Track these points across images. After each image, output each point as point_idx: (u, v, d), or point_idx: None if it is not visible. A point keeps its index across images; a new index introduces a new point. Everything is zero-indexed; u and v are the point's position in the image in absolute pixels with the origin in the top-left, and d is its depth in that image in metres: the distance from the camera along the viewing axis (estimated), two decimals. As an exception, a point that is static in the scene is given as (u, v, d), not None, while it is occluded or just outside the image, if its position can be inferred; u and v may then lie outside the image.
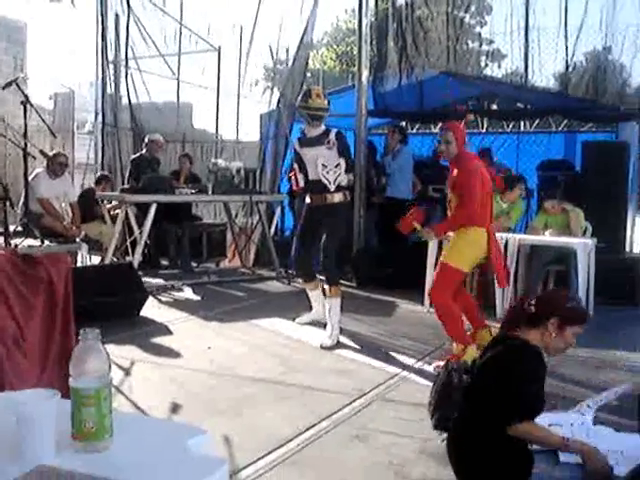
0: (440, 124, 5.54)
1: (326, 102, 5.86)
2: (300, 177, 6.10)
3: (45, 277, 3.16)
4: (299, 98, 6.03)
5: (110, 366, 1.44)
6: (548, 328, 2.71)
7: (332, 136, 5.81)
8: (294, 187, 6.52)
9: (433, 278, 5.48)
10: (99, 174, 9.90)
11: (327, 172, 5.71)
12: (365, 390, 4.56)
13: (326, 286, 6.02)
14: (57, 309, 3.18)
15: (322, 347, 5.66)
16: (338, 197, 5.85)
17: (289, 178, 6.78)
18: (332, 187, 5.74)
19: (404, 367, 5.12)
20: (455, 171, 5.27)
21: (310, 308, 6.38)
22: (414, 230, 5.74)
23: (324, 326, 5.97)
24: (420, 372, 5.03)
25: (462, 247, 5.21)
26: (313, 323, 6.28)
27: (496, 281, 5.68)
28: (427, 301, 7.05)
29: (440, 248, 6.75)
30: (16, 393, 1.58)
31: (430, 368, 5.05)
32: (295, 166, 6.23)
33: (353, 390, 4.56)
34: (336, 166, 5.72)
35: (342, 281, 8.23)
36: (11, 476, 1.26)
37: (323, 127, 5.91)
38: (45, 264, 3.23)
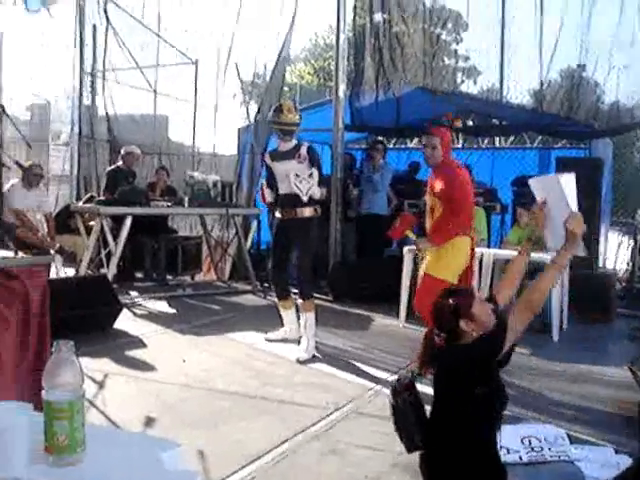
0: (426, 129, 5.49)
1: (297, 117, 5.88)
2: (267, 192, 6.13)
3: (21, 290, 3.13)
4: (270, 113, 6.03)
5: (83, 379, 1.44)
6: (466, 329, 2.69)
7: (303, 150, 5.82)
8: (261, 201, 6.54)
9: (418, 291, 5.43)
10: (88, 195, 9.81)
11: (300, 182, 5.69)
12: (340, 404, 4.56)
13: (299, 300, 6.01)
14: (32, 322, 3.15)
15: (298, 361, 5.64)
16: (309, 211, 5.86)
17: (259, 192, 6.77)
18: (305, 198, 5.71)
19: (379, 381, 5.12)
20: (440, 177, 5.23)
21: (282, 325, 6.36)
22: (405, 236, 5.74)
23: (298, 341, 5.96)
24: (395, 386, 5.03)
25: (448, 258, 5.19)
26: (284, 340, 6.26)
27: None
28: (402, 315, 7.09)
29: (415, 263, 6.81)
30: (-13, 406, 1.57)
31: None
32: (263, 181, 6.27)
33: (328, 404, 4.55)
34: (309, 175, 5.71)
35: (318, 295, 8.25)
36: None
37: (294, 142, 5.92)
38: (21, 278, 3.20)
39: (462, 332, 2.68)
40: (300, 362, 5.62)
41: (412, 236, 5.61)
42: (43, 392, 1.40)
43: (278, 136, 6.01)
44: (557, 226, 2.84)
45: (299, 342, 5.94)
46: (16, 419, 1.37)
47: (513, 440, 3.81)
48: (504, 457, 3.04)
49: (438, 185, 5.24)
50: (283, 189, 5.90)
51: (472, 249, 5.39)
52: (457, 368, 2.70)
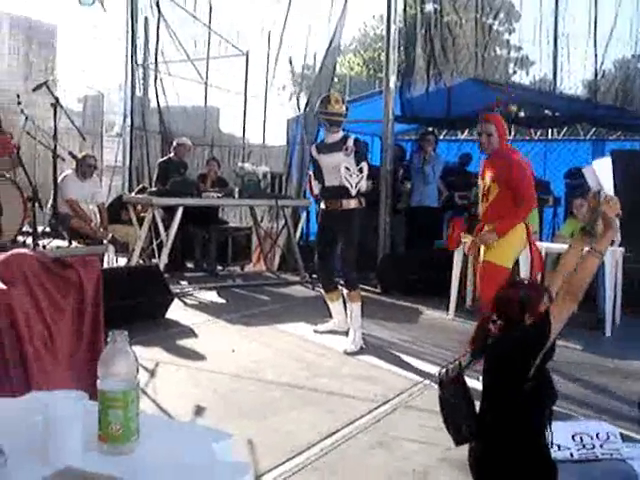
0: (480, 116, 5.35)
1: (344, 108, 5.86)
2: (314, 184, 6.12)
3: (76, 280, 3.18)
4: (317, 104, 6.02)
5: (138, 369, 1.46)
6: (527, 323, 2.66)
7: (350, 143, 5.79)
8: (310, 194, 6.53)
9: (481, 279, 5.36)
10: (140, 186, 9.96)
11: (350, 175, 5.65)
12: (389, 397, 4.55)
13: (345, 291, 6.01)
14: (86, 312, 3.20)
15: (346, 353, 5.64)
16: (354, 203, 5.83)
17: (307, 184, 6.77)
18: (353, 191, 5.68)
19: (428, 374, 5.08)
20: (496, 163, 5.12)
21: (330, 317, 6.37)
22: (461, 243, 5.68)
23: (346, 333, 5.96)
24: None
25: (505, 244, 5.09)
26: (333, 331, 6.26)
27: (532, 268, 5.49)
28: (452, 308, 7.05)
29: (466, 255, 6.74)
30: (44, 394, 1.60)
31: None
32: (310, 173, 6.27)
33: (376, 397, 4.55)
34: (359, 170, 5.68)
35: (367, 287, 8.26)
36: (39, 476, 1.28)
37: (341, 133, 5.91)
38: (76, 267, 3.25)
39: (538, 321, 2.66)
40: (348, 354, 5.62)
41: (468, 239, 5.54)
42: (98, 381, 1.42)
43: (325, 127, 6.01)
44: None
45: (347, 333, 5.94)
46: (72, 408, 1.39)
47: (564, 437, 3.74)
48: (554, 454, 2.98)
49: (494, 169, 5.13)
50: (329, 181, 5.89)
51: (530, 232, 5.28)
52: (505, 358, 2.68)
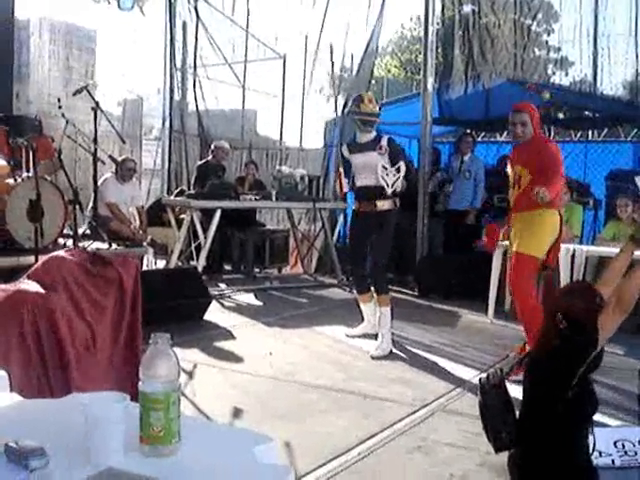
0: (513, 106, 5.28)
1: (377, 108, 5.81)
2: (345, 182, 6.08)
3: (115, 278, 3.20)
4: (350, 103, 5.98)
5: (179, 372, 1.46)
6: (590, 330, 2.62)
7: (384, 142, 5.72)
8: (338, 192, 6.47)
9: (511, 271, 5.30)
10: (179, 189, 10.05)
11: (387, 174, 5.56)
12: (427, 401, 4.52)
13: (375, 295, 5.95)
14: (126, 310, 3.22)
15: (372, 357, 5.55)
16: (388, 204, 5.75)
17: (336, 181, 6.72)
18: (389, 190, 5.59)
19: (466, 378, 5.04)
20: (530, 149, 5.07)
21: (362, 320, 6.32)
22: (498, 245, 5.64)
23: (375, 336, 5.93)
24: (483, 384, 4.95)
25: (537, 232, 5.04)
26: (365, 335, 6.23)
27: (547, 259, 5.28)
28: (491, 312, 6.98)
29: (505, 258, 6.67)
30: (86, 395, 1.61)
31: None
32: (341, 170, 6.21)
33: (415, 400, 4.52)
34: (397, 169, 5.59)
35: (404, 290, 8.23)
36: (81, 477, 1.29)
37: (374, 133, 5.84)
38: (115, 265, 3.28)
39: (588, 329, 2.62)
40: (373, 358, 5.54)
41: (505, 241, 5.49)
42: (140, 383, 1.43)
43: (358, 127, 5.90)
44: None
45: (376, 337, 5.91)
46: (113, 409, 1.40)
47: (605, 443, 3.68)
48: (596, 460, 2.93)
49: (525, 155, 5.09)
50: (361, 181, 5.83)
51: (562, 221, 5.20)
52: (549, 366, 2.64)
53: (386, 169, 5.58)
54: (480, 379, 2.80)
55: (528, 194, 4.91)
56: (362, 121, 5.80)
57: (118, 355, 3.26)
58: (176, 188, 10.25)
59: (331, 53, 10.85)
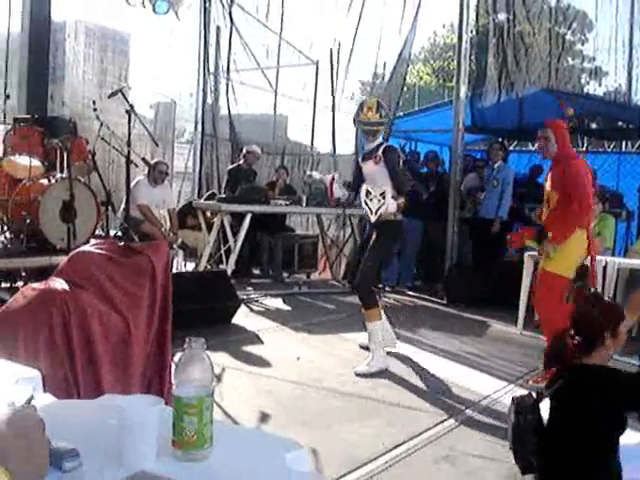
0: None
1: (378, 115, 5.47)
2: (336, 187, 5.88)
3: (147, 266, 3.15)
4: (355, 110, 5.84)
5: (213, 376, 1.46)
6: (606, 343, 2.59)
7: (380, 151, 5.45)
8: (329, 197, 6.23)
9: (537, 288, 5.31)
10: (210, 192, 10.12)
11: (370, 200, 5.35)
12: (454, 410, 4.49)
13: (363, 310, 5.59)
14: (157, 298, 3.18)
15: (357, 374, 5.21)
16: (386, 215, 5.40)
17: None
18: (373, 217, 5.37)
19: (496, 389, 5.01)
20: (555, 169, 5.16)
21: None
22: (524, 246, 5.61)
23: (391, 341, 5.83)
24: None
25: (567, 252, 5.05)
26: (404, 339, 6.19)
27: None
28: (520, 322, 6.92)
29: (536, 269, 6.61)
30: (119, 397, 1.62)
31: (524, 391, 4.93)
32: (335, 175, 6.05)
33: (442, 410, 4.50)
34: (381, 194, 5.32)
35: (433, 298, 8.20)
36: (114, 479, 1.29)
37: (377, 141, 5.56)
38: (146, 252, 3.23)
39: (599, 344, 2.59)
40: (357, 375, 5.19)
41: (533, 244, 5.46)
42: (173, 387, 1.43)
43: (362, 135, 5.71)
44: None
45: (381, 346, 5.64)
46: (147, 412, 1.41)
47: (634, 459, 3.63)
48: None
49: (553, 175, 5.18)
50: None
51: (592, 243, 5.19)
52: (589, 402, 2.58)
53: (370, 194, 5.36)
54: (514, 399, 2.76)
55: (554, 214, 5.09)
56: (362, 130, 5.66)
57: (150, 349, 3.23)
58: (207, 191, 10.30)
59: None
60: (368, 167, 5.55)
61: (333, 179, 5.96)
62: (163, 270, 3.25)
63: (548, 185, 5.26)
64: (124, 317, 3.01)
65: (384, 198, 5.31)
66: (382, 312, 5.68)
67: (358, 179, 5.80)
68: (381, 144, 5.56)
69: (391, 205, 5.35)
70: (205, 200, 9.37)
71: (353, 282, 5.81)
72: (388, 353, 5.63)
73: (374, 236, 5.51)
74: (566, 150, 5.20)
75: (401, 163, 5.71)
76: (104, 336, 2.91)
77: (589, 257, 5.25)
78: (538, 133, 5.29)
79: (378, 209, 5.33)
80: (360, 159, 5.82)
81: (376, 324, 5.51)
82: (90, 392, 2.77)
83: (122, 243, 3.39)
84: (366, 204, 5.38)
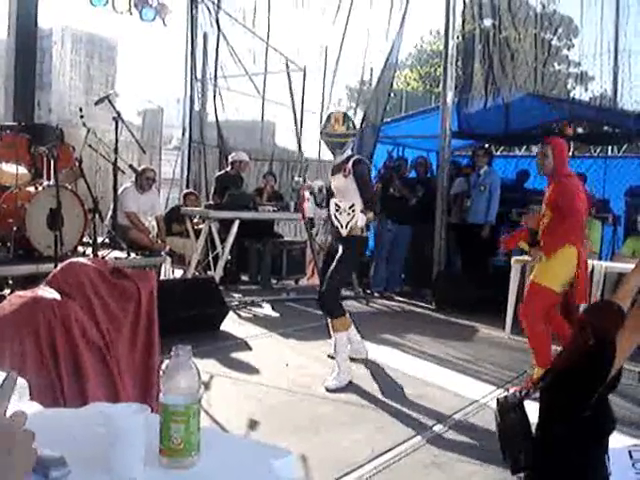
0: (541, 138, 5.42)
1: (345, 127, 5.35)
2: (307, 206, 5.81)
3: (133, 292, 3.19)
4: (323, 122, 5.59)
5: (200, 384, 1.46)
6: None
7: (349, 164, 5.31)
8: (300, 217, 5.97)
9: (524, 300, 5.36)
10: (185, 191, 10.14)
11: (340, 214, 5.24)
12: (443, 416, 4.50)
13: (328, 320, 5.52)
14: (140, 325, 3.21)
15: (327, 389, 5.03)
16: (352, 230, 5.25)
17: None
18: (344, 231, 5.22)
19: (484, 394, 5.02)
20: (550, 186, 5.20)
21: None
22: (517, 247, 5.65)
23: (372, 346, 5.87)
24: (500, 399, 4.92)
25: (556, 267, 5.08)
26: (393, 345, 6.20)
27: (575, 296, 5.34)
28: (508, 327, 6.94)
29: (523, 274, 6.65)
30: (106, 405, 1.62)
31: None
32: (306, 194, 5.90)
33: (431, 415, 4.50)
34: (350, 207, 5.19)
35: (421, 303, 8.21)
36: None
37: (346, 154, 5.45)
38: (134, 279, 3.27)
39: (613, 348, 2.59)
40: (328, 391, 5.01)
41: (525, 247, 5.50)
42: (161, 395, 1.43)
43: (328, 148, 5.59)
44: None
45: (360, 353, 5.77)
46: (134, 420, 1.40)
47: (623, 462, 3.65)
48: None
49: (548, 193, 5.23)
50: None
51: (583, 261, 5.22)
52: (564, 388, 2.61)
53: (339, 208, 5.25)
54: (498, 399, 2.77)
55: (548, 232, 5.15)
56: (329, 143, 5.48)
57: (134, 366, 3.24)
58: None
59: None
60: (337, 181, 5.44)
61: (304, 198, 5.83)
62: (147, 298, 3.27)
63: (544, 202, 5.30)
64: (102, 335, 3.02)
65: (353, 212, 5.19)
66: (350, 322, 5.63)
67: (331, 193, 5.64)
68: (350, 157, 5.42)
69: (360, 219, 5.22)
70: (183, 200, 9.39)
71: (318, 293, 5.65)
72: (373, 361, 5.61)
73: (340, 250, 5.36)
74: (562, 169, 5.23)
75: (372, 176, 5.57)
76: (87, 347, 2.92)
77: (576, 274, 5.24)
78: (538, 147, 5.35)
79: (348, 222, 5.21)
80: (331, 173, 5.66)
81: (342, 334, 5.42)
82: (75, 399, 2.77)
83: (114, 266, 3.38)
84: (336, 218, 5.27)
